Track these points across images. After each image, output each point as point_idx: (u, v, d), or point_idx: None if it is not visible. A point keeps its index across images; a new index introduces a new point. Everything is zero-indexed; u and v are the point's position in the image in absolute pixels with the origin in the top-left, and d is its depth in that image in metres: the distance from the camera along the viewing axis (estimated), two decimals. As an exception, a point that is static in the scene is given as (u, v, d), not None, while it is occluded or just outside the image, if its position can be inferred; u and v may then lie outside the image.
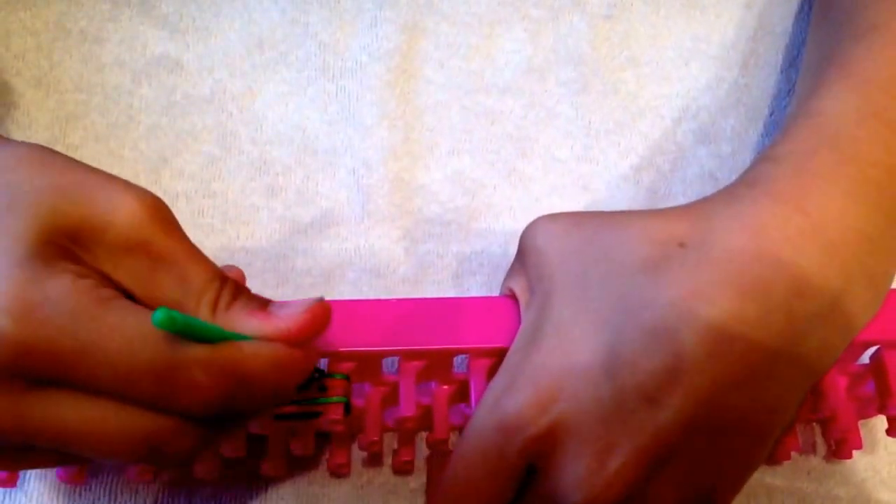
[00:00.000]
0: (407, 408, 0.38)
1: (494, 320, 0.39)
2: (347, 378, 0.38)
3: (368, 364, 0.39)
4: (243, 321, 0.32)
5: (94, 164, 0.46)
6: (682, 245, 0.35)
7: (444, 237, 0.47)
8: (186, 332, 0.30)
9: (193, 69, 0.49)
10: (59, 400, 0.30)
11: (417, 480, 0.44)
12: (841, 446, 0.42)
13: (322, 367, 0.38)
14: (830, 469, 0.45)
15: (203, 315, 0.32)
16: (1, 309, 0.28)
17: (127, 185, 0.32)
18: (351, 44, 0.49)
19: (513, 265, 0.40)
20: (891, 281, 0.36)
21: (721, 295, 0.33)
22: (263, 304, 0.33)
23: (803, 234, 0.34)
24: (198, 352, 0.30)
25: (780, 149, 0.37)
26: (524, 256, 0.39)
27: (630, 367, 0.33)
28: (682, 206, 0.37)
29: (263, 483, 0.43)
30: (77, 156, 0.46)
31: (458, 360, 0.40)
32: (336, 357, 0.38)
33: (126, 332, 0.29)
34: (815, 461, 0.45)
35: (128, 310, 0.30)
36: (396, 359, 0.40)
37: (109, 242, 0.31)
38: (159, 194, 0.46)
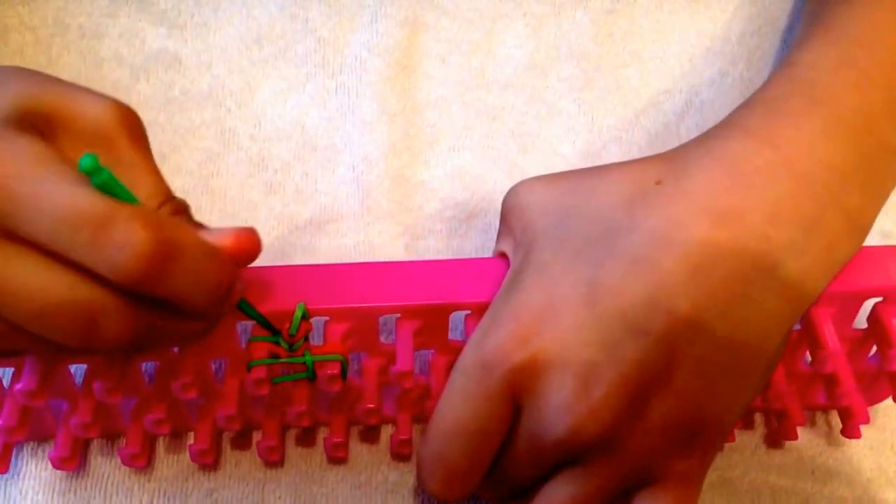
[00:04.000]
0: (404, 362, 0.38)
1: (489, 278, 0.38)
2: (343, 362, 0.38)
3: (365, 325, 0.39)
4: None
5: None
6: (658, 182, 0.35)
7: (444, 234, 0.47)
8: (110, 190, 0.30)
9: (192, 65, 0.48)
10: (6, 253, 0.30)
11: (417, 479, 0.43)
12: (847, 420, 0.42)
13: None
14: (835, 469, 0.44)
15: None
16: None
17: (106, 96, 0.34)
18: (351, 39, 0.48)
19: (499, 230, 0.40)
20: (869, 215, 0.37)
21: (696, 222, 0.34)
22: (199, 225, 0.34)
23: (773, 165, 0.35)
24: (137, 208, 0.30)
25: (756, 96, 0.38)
26: (508, 217, 0.39)
27: (611, 296, 0.33)
28: (659, 153, 0.38)
29: (261, 483, 0.42)
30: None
31: (454, 329, 0.40)
32: (333, 315, 0.38)
33: (70, 187, 0.29)
34: (821, 460, 0.45)
35: (76, 174, 0.30)
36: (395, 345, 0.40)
37: (75, 132, 0.33)
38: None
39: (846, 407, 0.41)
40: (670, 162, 0.36)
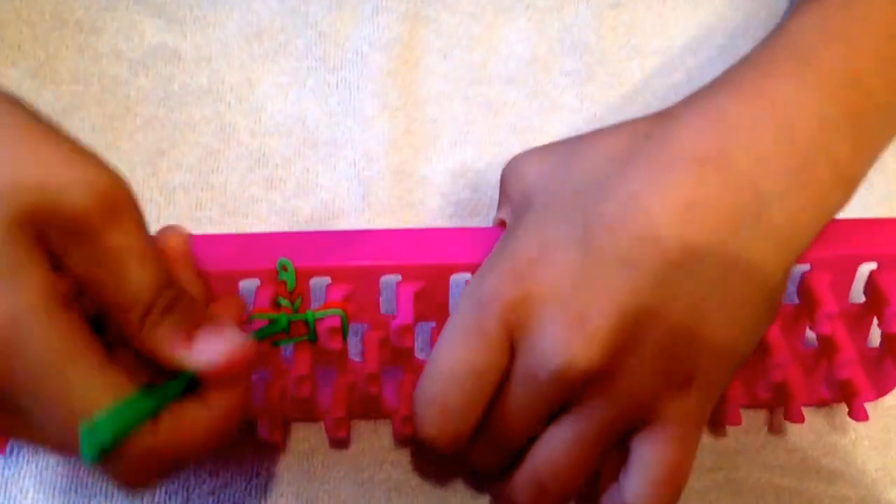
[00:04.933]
0: (404, 316, 0.38)
1: (488, 244, 0.39)
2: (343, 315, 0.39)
3: (366, 287, 0.39)
4: (166, 348, 0.32)
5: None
6: (647, 136, 0.37)
7: (445, 230, 0.46)
8: (122, 437, 0.30)
9: (191, 59, 0.48)
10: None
11: (420, 477, 0.43)
12: (852, 400, 0.42)
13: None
14: (840, 469, 0.44)
15: (130, 330, 0.32)
16: None
17: (85, 164, 0.31)
18: (351, 33, 0.48)
19: (499, 200, 0.41)
20: (859, 169, 0.37)
21: (685, 166, 0.35)
22: (197, 320, 0.33)
23: (759, 115, 0.36)
24: (138, 446, 0.31)
25: (745, 58, 0.39)
26: (506, 184, 0.40)
27: (603, 234, 0.34)
28: (649, 114, 0.39)
29: (263, 481, 0.42)
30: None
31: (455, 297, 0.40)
32: (334, 275, 0.39)
33: (75, 399, 0.30)
34: (826, 461, 0.44)
35: (87, 368, 0.30)
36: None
37: (59, 226, 0.30)
38: (157, 187, 0.47)
39: (848, 381, 0.41)
40: (659, 119, 0.37)
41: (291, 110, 0.48)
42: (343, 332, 0.38)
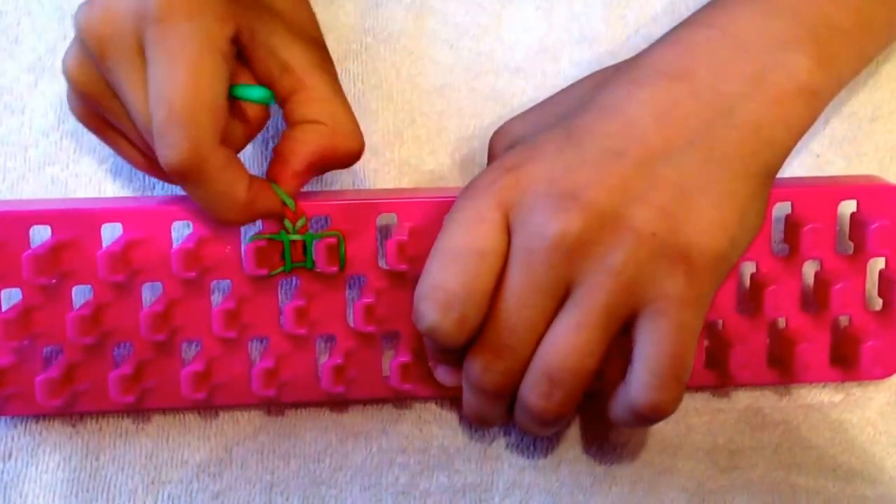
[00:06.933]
0: (400, 233, 0.40)
1: None
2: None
3: (363, 226, 0.41)
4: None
5: (92, 152, 0.45)
6: (617, 69, 0.41)
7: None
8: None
9: (193, 52, 0.47)
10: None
11: (428, 481, 0.43)
12: (859, 348, 0.42)
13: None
14: (858, 468, 0.44)
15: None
16: None
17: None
18: (355, 25, 0.47)
19: (487, 164, 0.44)
20: (822, 84, 0.39)
21: (654, 80, 0.38)
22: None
23: (714, 39, 0.39)
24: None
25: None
26: (493, 147, 0.44)
27: (586, 132, 0.38)
28: None
29: (268, 485, 0.42)
30: (75, 142, 0.45)
31: None
32: (333, 213, 0.41)
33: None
34: (843, 458, 0.44)
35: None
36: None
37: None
38: (161, 183, 0.46)
39: (851, 327, 0.41)
40: (627, 59, 0.41)
41: (294, 103, 0.47)
42: (340, 258, 0.40)
